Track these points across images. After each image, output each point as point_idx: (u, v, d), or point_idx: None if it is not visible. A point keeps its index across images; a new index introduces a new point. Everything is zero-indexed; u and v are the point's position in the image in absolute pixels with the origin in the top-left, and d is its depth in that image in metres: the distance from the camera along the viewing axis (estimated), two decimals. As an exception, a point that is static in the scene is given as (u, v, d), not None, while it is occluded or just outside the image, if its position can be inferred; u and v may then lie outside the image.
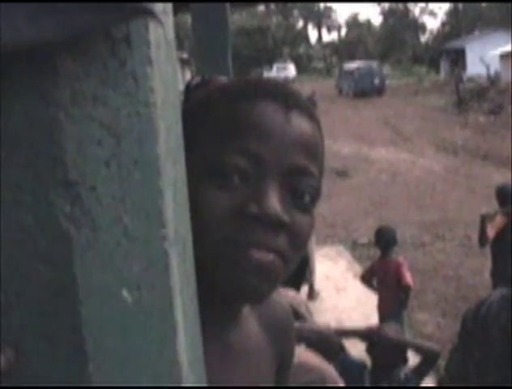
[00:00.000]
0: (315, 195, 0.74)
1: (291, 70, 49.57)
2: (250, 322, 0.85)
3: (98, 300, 0.42)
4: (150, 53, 0.43)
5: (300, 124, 0.72)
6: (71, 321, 0.42)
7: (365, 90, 34.06)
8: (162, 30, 0.45)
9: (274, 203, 0.68)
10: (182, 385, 0.48)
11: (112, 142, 0.41)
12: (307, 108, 0.75)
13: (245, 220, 0.68)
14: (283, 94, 0.73)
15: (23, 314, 0.41)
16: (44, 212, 0.40)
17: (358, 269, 7.42)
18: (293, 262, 0.73)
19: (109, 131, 0.41)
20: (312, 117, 0.75)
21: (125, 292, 0.43)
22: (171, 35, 0.49)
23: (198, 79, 0.82)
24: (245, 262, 0.68)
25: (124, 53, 0.42)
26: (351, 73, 35.79)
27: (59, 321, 0.42)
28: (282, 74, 46.60)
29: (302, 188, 0.72)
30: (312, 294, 6.95)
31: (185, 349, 0.49)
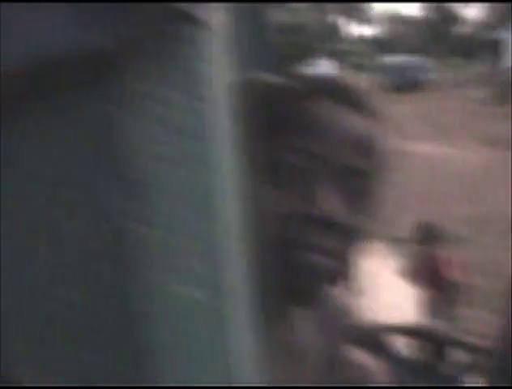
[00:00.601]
0: (373, 196, 0.73)
1: (330, 66, 49.30)
2: (303, 322, 0.85)
3: (157, 298, 0.42)
4: (208, 51, 0.43)
5: (358, 123, 0.71)
6: (131, 318, 0.42)
7: (405, 84, 33.70)
8: (218, 28, 0.45)
9: (330, 204, 0.67)
10: (239, 384, 0.48)
11: (171, 140, 0.42)
12: (365, 105, 0.74)
13: (298, 221, 0.67)
14: (339, 91, 0.72)
15: (86, 311, 0.42)
16: (105, 211, 0.40)
17: (401, 265, 7.34)
18: (347, 263, 0.72)
19: (168, 129, 0.41)
20: (370, 115, 0.74)
21: (184, 290, 0.43)
22: (226, 32, 0.49)
23: (252, 76, 0.81)
24: (298, 264, 0.67)
25: (182, 52, 0.42)
26: (390, 67, 35.45)
27: (119, 318, 0.42)
28: (321, 71, 46.38)
29: (359, 189, 0.71)
30: (354, 290, 6.90)
31: (242, 347, 0.48)
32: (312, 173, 0.68)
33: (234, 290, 0.47)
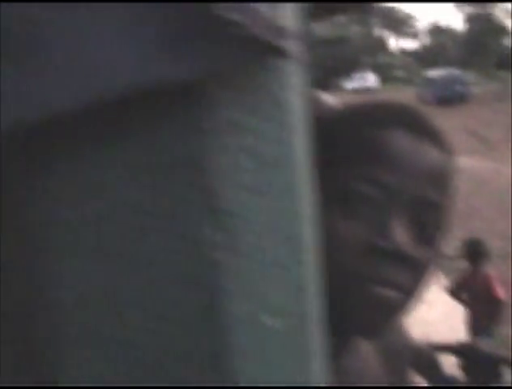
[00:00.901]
0: (443, 229, 0.71)
1: (371, 79, 49.01)
2: (368, 351, 0.84)
3: (241, 326, 0.42)
4: (291, 80, 0.44)
5: (431, 154, 0.69)
6: (213, 346, 0.42)
7: (448, 98, 33.34)
8: (300, 56, 0.45)
9: (400, 236, 0.66)
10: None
11: (256, 168, 0.42)
12: (438, 136, 0.72)
13: (369, 253, 0.66)
14: (414, 121, 0.71)
15: (165, 338, 0.42)
16: (192, 239, 0.40)
17: (446, 282, 7.25)
18: (416, 297, 0.70)
19: (256, 159, 0.42)
20: (444, 146, 0.72)
21: (267, 319, 0.43)
22: (306, 60, 0.49)
23: (324, 99, 0.81)
24: (367, 298, 0.66)
25: (267, 81, 0.42)
26: (433, 81, 35.12)
27: (201, 346, 0.42)
28: (362, 85, 46.14)
29: (430, 221, 0.69)
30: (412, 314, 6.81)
31: (318, 375, 0.48)
32: (382, 204, 0.67)
33: (312, 319, 0.46)
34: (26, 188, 0.40)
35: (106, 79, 0.36)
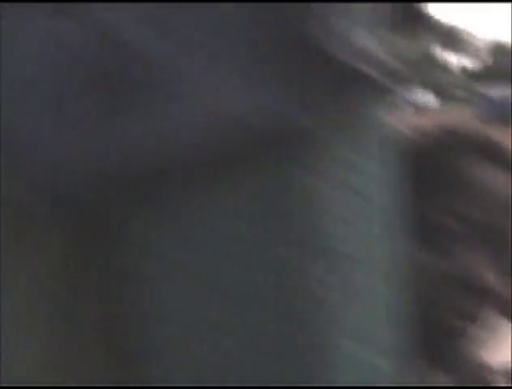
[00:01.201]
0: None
1: (427, 98, 47.89)
2: (441, 375, 0.83)
3: (346, 363, 0.44)
4: (390, 118, 0.46)
5: (507, 183, 0.70)
6: (318, 383, 0.44)
7: (506, 116, 32.32)
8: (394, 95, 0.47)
9: (481, 268, 0.67)
10: None
11: (354, 203, 0.44)
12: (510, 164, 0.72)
13: (448, 285, 0.67)
14: (492, 151, 0.71)
15: (268, 373, 0.44)
16: (300, 277, 0.42)
17: None
18: (486, 324, 0.71)
19: (361, 197, 0.43)
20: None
21: (372, 356, 0.45)
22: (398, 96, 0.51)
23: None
24: (445, 329, 0.67)
25: (371, 118, 0.45)
26: (492, 99, 34.17)
27: (306, 383, 0.44)
28: (418, 103, 45.10)
29: (508, 250, 0.70)
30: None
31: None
32: (461, 235, 0.68)
33: (413, 356, 0.48)
34: (138, 223, 0.42)
35: (225, 125, 0.38)
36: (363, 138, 0.44)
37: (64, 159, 0.39)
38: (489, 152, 0.71)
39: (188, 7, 0.38)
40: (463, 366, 0.72)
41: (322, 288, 0.42)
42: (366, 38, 0.43)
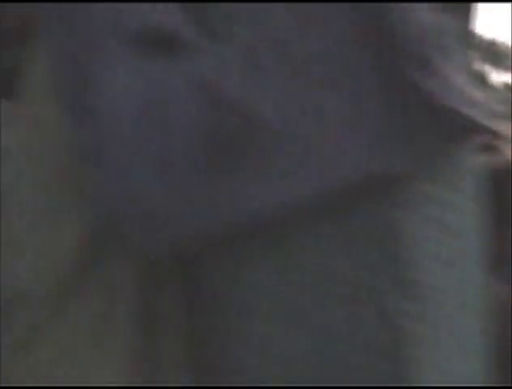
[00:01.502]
0: None
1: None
2: None
3: None
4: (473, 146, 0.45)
5: None
6: None
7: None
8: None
9: None
10: None
11: (445, 239, 0.42)
12: None
13: None
14: None
15: None
16: (381, 307, 0.41)
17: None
18: None
19: (443, 229, 0.42)
20: None
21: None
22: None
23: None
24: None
25: (456, 151, 0.43)
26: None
27: None
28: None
29: None
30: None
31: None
32: None
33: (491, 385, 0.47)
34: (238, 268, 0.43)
35: (333, 171, 0.38)
36: (456, 176, 0.43)
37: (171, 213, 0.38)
38: None
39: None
40: None
41: (403, 318, 0.41)
42: (466, 81, 0.42)
